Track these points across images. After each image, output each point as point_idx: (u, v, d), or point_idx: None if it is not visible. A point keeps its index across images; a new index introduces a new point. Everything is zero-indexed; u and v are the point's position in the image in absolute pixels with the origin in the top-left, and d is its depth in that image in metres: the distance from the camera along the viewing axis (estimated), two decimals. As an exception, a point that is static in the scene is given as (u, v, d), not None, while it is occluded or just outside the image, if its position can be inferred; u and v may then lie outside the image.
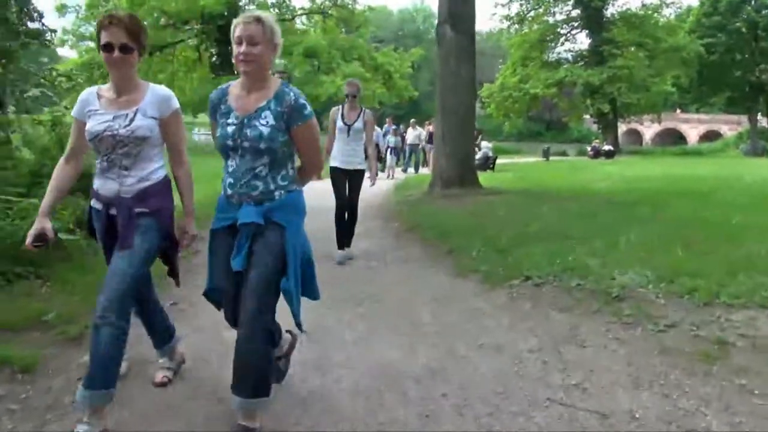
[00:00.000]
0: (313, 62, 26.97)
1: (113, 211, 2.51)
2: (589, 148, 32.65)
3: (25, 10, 9.86)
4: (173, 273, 2.77)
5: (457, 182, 9.76)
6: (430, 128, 17.53)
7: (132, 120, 2.45)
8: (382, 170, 16.57)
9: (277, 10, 29.12)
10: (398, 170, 17.83)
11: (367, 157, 6.03)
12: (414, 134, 18.50)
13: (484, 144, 19.70)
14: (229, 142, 2.39)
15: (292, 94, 2.41)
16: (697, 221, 6.56)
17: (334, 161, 5.92)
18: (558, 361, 3.29)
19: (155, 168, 2.56)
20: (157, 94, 2.53)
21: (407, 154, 18.77)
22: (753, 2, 39.07)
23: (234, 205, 2.42)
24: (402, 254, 6.35)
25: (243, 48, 2.29)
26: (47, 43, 10.97)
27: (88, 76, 25.23)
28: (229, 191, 2.43)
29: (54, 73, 11.76)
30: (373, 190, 12.65)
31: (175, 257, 2.72)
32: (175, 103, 2.58)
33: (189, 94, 29.22)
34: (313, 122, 2.48)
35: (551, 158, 29.24)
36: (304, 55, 26.28)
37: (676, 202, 8.28)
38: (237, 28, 2.33)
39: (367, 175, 6.09)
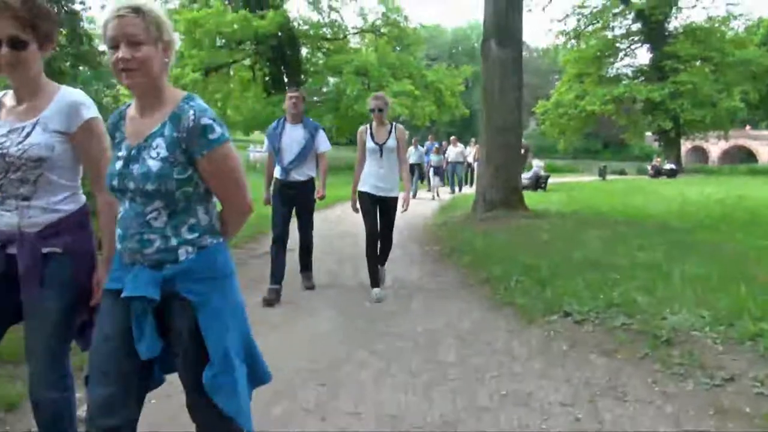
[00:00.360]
0: (364, 80, 27.04)
1: (12, 250, 1.92)
2: (649, 167, 31.25)
3: (77, 32, 10.21)
4: (81, 334, 2.06)
5: (502, 204, 9.34)
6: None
7: (27, 135, 1.89)
8: (428, 190, 16.50)
9: (329, 30, 29.53)
10: (445, 190, 17.41)
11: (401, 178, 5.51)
12: (456, 151, 17.68)
13: (536, 162, 19.08)
14: (114, 183, 1.72)
15: (192, 111, 1.65)
16: (764, 254, 5.93)
17: (364, 185, 5.24)
18: (593, 419, 2.88)
19: (64, 197, 1.98)
20: (64, 100, 1.94)
21: (450, 173, 17.81)
22: (830, 12, 36.67)
23: (127, 265, 1.74)
24: (435, 282, 6.01)
25: (121, 52, 1.61)
26: (98, 64, 11.33)
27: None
28: (119, 246, 1.75)
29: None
30: (416, 211, 12.45)
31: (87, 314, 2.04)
32: (89, 112, 1.97)
33: (245, 113, 29.93)
34: (226, 149, 1.70)
35: (608, 177, 28.12)
36: (355, 74, 26.39)
37: (741, 231, 7.59)
38: (108, 25, 1.63)
39: (401, 199, 5.45)
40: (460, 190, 17.41)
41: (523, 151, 15.93)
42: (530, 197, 14.42)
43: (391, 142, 5.18)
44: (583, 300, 4.51)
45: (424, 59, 41.35)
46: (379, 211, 5.29)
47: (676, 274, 4.95)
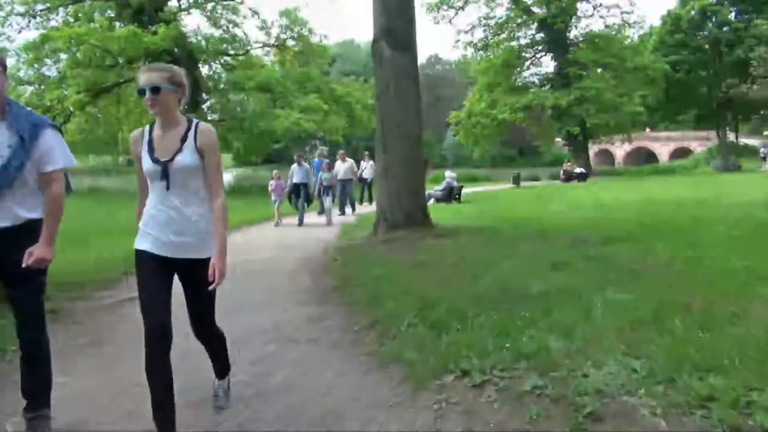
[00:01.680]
0: (269, 96, 25.68)
1: None
2: (561, 172, 31.69)
3: None
4: None
5: (406, 223, 8.36)
6: None
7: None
8: (319, 213, 14.33)
9: (230, 45, 27.98)
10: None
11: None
12: (345, 167, 15.49)
13: (448, 174, 18.45)
14: None
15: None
16: (692, 268, 5.20)
17: (143, 240, 2.92)
18: None
19: None
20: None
21: (339, 193, 15.25)
22: (714, 19, 39.13)
23: None
24: (315, 330, 4.85)
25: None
26: None
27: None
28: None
29: None
30: (314, 234, 11.28)
31: None
32: None
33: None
34: None
35: (522, 184, 28.14)
36: (258, 90, 24.98)
37: (660, 240, 6.94)
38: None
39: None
40: (353, 210, 15.43)
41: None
42: (442, 210, 13.66)
43: (186, 158, 2.74)
44: (485, 350, 3.51)
45: (335, 75, 40.55)
46: (182, 285, 3.02)
47: (598, 305, 4.06)
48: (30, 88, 24.85)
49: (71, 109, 25.46)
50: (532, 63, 40.44)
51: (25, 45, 24.73)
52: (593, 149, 46.62)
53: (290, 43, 28.45)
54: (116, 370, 4.10)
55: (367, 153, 17.92)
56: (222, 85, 27.23)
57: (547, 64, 40.56)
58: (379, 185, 8.72)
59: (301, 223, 12.86)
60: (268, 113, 24.10)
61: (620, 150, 60.43)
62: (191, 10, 28.04)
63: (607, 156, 62.22)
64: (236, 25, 28.03)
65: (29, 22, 26.09)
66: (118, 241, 11.08)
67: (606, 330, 3.55)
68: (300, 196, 13.06)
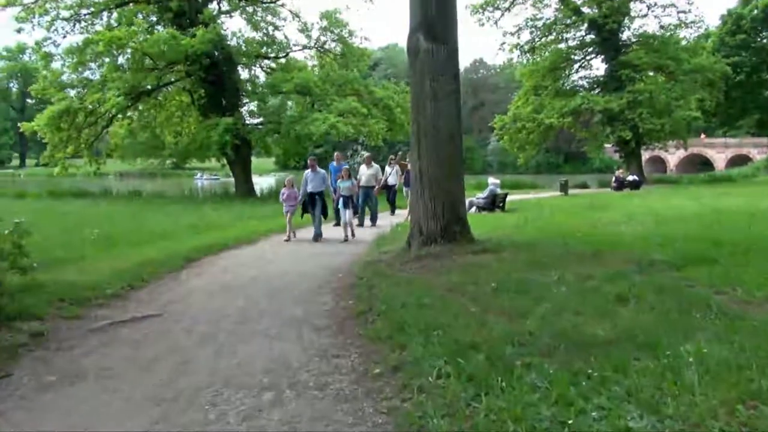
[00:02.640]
0: (306, 99, 25.09)
1: None
2: (612, 179, 30.06)
3: None
4: None
5: (441, 236, 7.44)
6: (409, 165, 13.33)
7: None
8: (335, 224, 12.33)
9: (269, 48, 27.59)
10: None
11: None
12: (368, 174, 13.69)
13: (491, 180, 17.35)
14: None
15: None
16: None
17: None
18: None
19: None
20: None
21: (360, 201, 13.28)
22: (779, 17, 36.68)
23: None
24: (325, 369, 4.02)
25: None
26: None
27: (57, 126, 23.76)
28: None
29: None
30: (339, 249, 10.40)
31: None
32: None
33: (185, 139, 27.58)
34: None
35: (570, 191, 26.69)
36: (296, 92, 24.42)
37: (746, 263, 5.80)
38: None
39: None
40: (373, 223, 13.57)
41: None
42: (485, 220, 12.65)
43: None
44: (538, 421, 2.58)
45: (378, 79, 39.82)
46: None
47: (688, 361, 3.05)
48: (72, 92, 24.96)
49: (113, 112, 25.55)
50: (581, 65, 38.79)
51: (67, 49, 24.89)
52: (644, 156, 44.41)
53: (330, 45, 27.86)
54: (73, 417, 3.33)
55: (392, 157, 16.23)
56: (259, 89, 26.81)
57: (597, 67, 39.02)
58: (414, 193, 7.82)
59: (317, 237, 11.15)
60: (305, 116, 23.48)
61: (673, 157, 57.83)
62: (232, 14, 27.85)
63: (659, 163, 59.59)
64: (276, 27, 27.63)
65: (74, 26, 26.31)
66: (139, 249, 10.60)
67: (708, 405, 2.56)
68: (315, 205, 11.27)
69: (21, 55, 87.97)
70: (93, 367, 4.21)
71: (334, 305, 5.96)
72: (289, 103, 28.58)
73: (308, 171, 11.51)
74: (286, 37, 28.16)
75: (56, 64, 26.35)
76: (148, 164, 50.76)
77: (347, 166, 12.65)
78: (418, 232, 7.59)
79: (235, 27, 32.84)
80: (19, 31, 25.28)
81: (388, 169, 15.44)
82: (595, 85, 37.53)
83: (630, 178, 28.82)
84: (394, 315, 4.87)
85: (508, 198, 17.72)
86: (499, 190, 17.11)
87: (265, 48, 27.42)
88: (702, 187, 29.82)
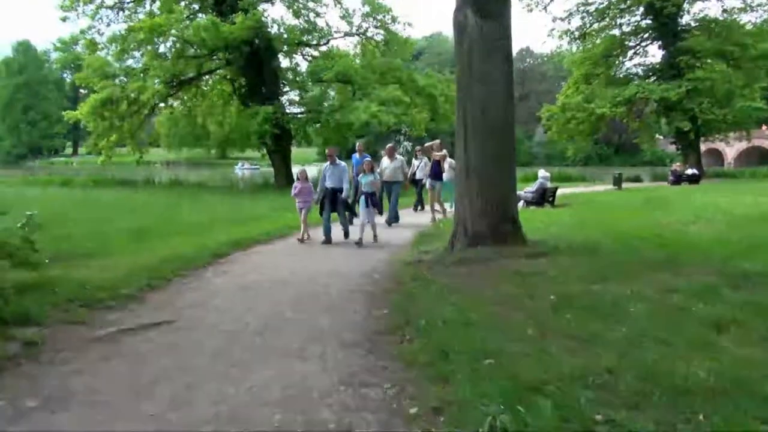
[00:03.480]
0: (347, 88, 24.44)
1: None
2: (669, 172, 28.37)
3: None
4: None
5: (489, 236, 6.62)
6: (436, 154, 12.37)
7: None
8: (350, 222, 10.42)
9: (311, 35, 27.02)
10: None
11: None
12: (392, 167, 12.15)
13: (541, 173, 16.30)
14: None
15: None
16: None
17: None
18: None
19: None
20: None
21: (386, 196, 12.19)
22: None
23: None
24: (349, 403, 3.30)
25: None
26: None
27: (101, 114, 23.81)
28: None
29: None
30: (390, 242, 9.70)
31: None
32: None
33: (227, 128, 27.33)
34: None
35: (623, 185, 25.24)
36: (337, 80, 23.79)
37: None
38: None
39: None
40: (395, 220, 12.19)
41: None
42: (534, 216, 11.69)
43: None
44: None
45: (425, 68, 38.76)
46: None
47: None
48: (116, 81, 24.97)
49: (156, 101, 25.53)
50: (635, 52, 36.82)
51: (110, 37, 24.97)
52: (701, 148, 42.07)
53: (372, 31, 27.07)
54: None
55: (418, 149, 14.66)
56: (300, 77, 26.31)
57: (653, 54, 36.94)
58: (459, 188, 7.00)
59: (347, 235, 9.92)
60: (345, 105, 22.84)
61: (731, 149, 54.71)
62: (273, 1, 27.39)
63: (715, 156, 56.50)
64: (318, 14, 27.03)
65: (118, 14, 26.39)
66: (169, 242, 10.16)
67: None
68: (337, 202, 9.77)
69: (74, 46, 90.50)
70: (82, 390, 3.62)
71: (367, 314, 5.24)
72: (331, 93, 28.02)
73: (327, 164, 10.06)
74: (327, 24, 27.56)
75: (101, 54, 26.49)
76: (194, 154, 51.53)
77: (370, 158, 10.85)
78: (463, 231, 6.79)
79: (276, 15, 32.88)
80: (64, 19, 25.47)
81: (415, 161, 14.14)
82: (651, 73, 35.61)
83: (689, 171, 27.11)
84: (436, 334, 4.12)
85: (558, 192, 16.65)
86: (549, 184, 16.07)
87: (306, 36, 26.87)
88: (763, 181, 27.85)
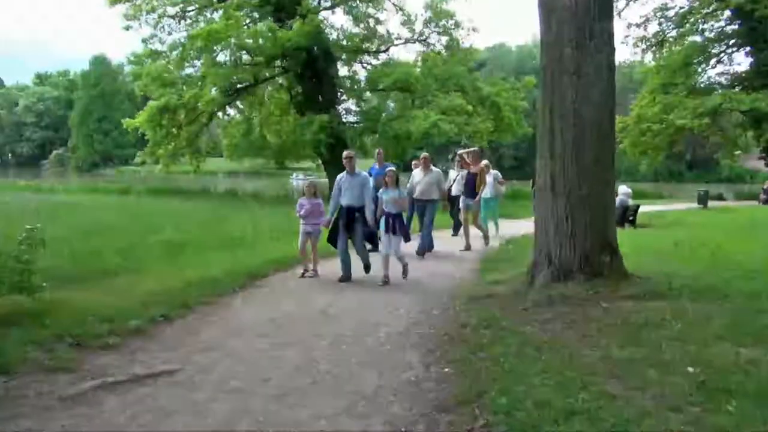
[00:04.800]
0: (407, 96, 23.31)
1: None
2: (762, 190, 25.72)
3: None
4: None
5: (580, 268, 5.21)
6: (474, 166, 10.24)
7: None
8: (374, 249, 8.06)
9: (371, 43, 26.10)
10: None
11: None
12: (427, 180, 9.64)
13: (622, 189, 14.54)
14: None
15: None
16: None
17: None
18: None
19: None
20: None
21: (418, 216, 9.92)
22: None
23: None
24: None
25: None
26: None
27: (158, 122, 23.61)
28: None
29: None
30: (448, 272, 8.23)
31: None
32: None
33: (284, 137, 26.62)
34: None
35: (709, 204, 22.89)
36: (396, 88, 22.70)
37: None
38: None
39: None
40: (429, 248, 9.60)
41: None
42: (619, 240, 10.08)
43: None
44: None
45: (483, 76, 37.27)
46: None
47: None
48: (174, 89, 24.78)
49: (213, 109, 25.20)
50: (719, 60, 33.97)
51: (170, 45, 24.87)
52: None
53: (434, 38, 25.85)
54: None
55: (456, 160, 11.56)
56: (357, 85, 25.39)
57: (739, 61, 34.01)
58: (540, 207, 5.62)
59: (367, 269, 7.59)
60: (404, 114, 21.70)
61: (826, 166, 49.99)
62: (335, 9, 26.66)
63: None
64: (378, 21, 26.09)
65: (179, 23, 26.33)
66: (205, 258, 9.23)
67: None
68: (355, 226, 7.40)
69: (147, 60, 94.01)
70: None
71: (423, 372, 3.97)
72: (390, 104, 26.94)
73: (343, 174, 7.52)
74: (387, 31, 26.53)
75: (162, 62, 26.46)
76: (254, 164, 51.77)
77: (393, 168, 8.22)
78: (546, 260, 5.40)
79: (337, 23, 32.55)
80: (127, 28, 25.59)
81: (452, 173, 11.51)
82: (737, 82, 32.72)
83: (783, 190, 24.38)
84: (524, 423, 2.79)
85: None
86: (630, 201, 14.30)
87: (365, 43, 25.99)
88: None
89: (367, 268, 7.59)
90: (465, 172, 10.53)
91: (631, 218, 13.93)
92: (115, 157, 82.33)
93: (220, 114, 27.93)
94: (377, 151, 10.55)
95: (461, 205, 10.57)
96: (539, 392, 3.11)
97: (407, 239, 7.82)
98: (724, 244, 9.11)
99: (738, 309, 4.37)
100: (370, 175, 9.33)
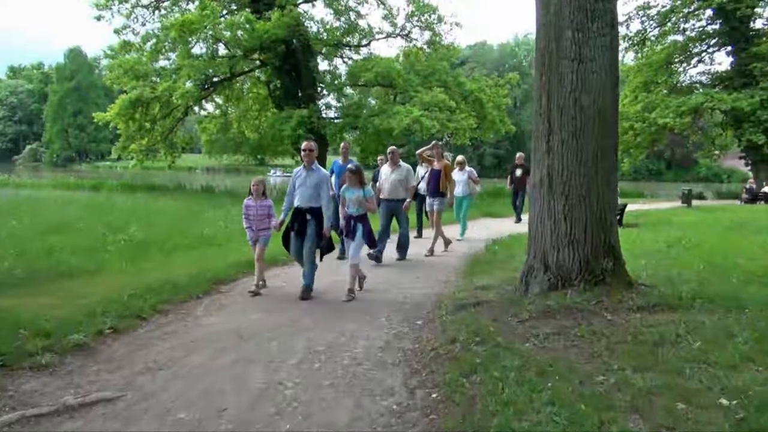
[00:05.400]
0: (388, 91, 22.73)
1: None
2: (743, 190, 25.67)
3: None
4: None
5: (579, 275, 4.69)
6: (435, 162, 9.46)
7: None
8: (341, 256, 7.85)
9: (352, 37, 25.45)
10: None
11: None
12: (394, 177, 8.52)
13: (608, 188, 14.08)
14: None
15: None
16: None
17: None
18: None
19: None
20: None
21: (382, 219, 8.69)
22: None
23: None
24: None
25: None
26: None
27: (131, 116, 22.73)
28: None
29: None
30: (430, 272, 7.71)
31: None
32: None
33: (263, 133, 25.78)
34: None
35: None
36: (377, 83, 22.08)
37: None
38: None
39: None
40: (402, 255, 8.59)
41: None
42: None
43: None
44: None
45: (469, 75, 36.84)
46: None
47: None
48: (148, 81, 23.84)
49: (189, 103, 24.29)
50: (700, 59, 33.99)
51: (143, 36, 23.95)
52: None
53: (416, 33, 25.29)
54: None
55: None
56: (338, 80, 24.70)
57: (720, 61, 34.05)
58: (535, 205, 5.08)
59: (307, 293, 6.13)
60: (385, 109, 21.09)
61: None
62: (315, 2, 25.92)
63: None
64: (360, 15, 25.43)
65: (153, 13, 25.39)
66: (171, 259, 8.57)
67: None
68: (306, 233, 6.22)
69: (126, 54, 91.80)
70: None
71: (407, 398, 3.41)
72: (371, 101, 26.28)
73: (300, 168, 6.48)
74: (369, 25, 25.87)
75: (133, 55, 25.45)
76: (234, 160, 50.74)
77: (357, 164, 7.11)
78: (542, 265, 4.87)
79: (317, 15, 31.61)
80: (98, 18, 24.56)
81: (420, 170, 10.39)
82: (718, 82, 32.77)
83: (766, 189, 24.32)
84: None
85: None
86: (618, 200, 13.88)
87: (346, 37, 25.31)
88: None
89: (307, 290, 6.13)
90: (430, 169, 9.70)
91: (618, 217, 13.52)
92: (91, 152, 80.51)
93: (196, 108, 27.10)
94: (342, 145, 9.15)
95: (427, 205, 9.85)
96: (542, 425, 2.57)
97: (372, 245, 6.84)
98: (718, 245, 8.72)
99: (760, 322, 3.88)
100: (332, 173, 8.53)
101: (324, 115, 24.24)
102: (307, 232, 6.17)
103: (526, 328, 4.09)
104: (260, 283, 6.47)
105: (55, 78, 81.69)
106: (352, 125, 22.26)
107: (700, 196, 31.66)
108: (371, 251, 7.93)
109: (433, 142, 10.02)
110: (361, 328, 4.97)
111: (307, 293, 6.12)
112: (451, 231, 10.80)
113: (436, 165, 9.51)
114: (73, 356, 4.17)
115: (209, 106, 28.29)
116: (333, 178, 8.35)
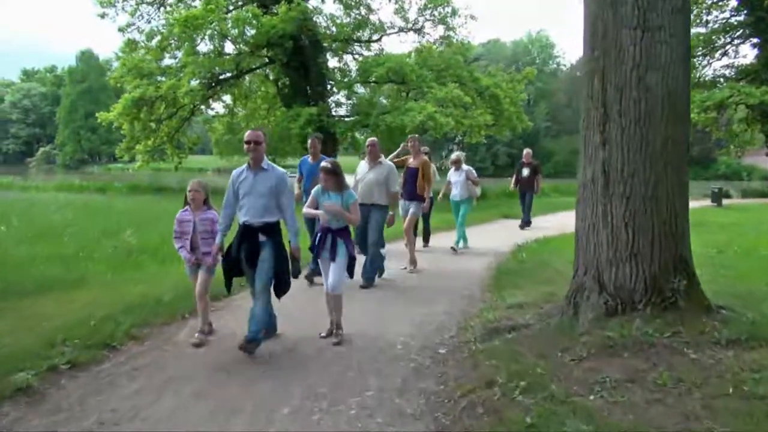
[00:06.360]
0: (401, 87, 21.80)
1: None
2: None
3: None
4: None
5: (647, 296, 3.76)
6: (412, 158, 8.17)
7: None
8: (310, 276, 6.62)
9: (363, 32, 24.57)
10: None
11: None
12: (373, 177, 6.85)
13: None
14: None
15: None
16: None
17: None
18: None
19: None
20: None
21: (359, 230, 6.81)
22: None
23: None
24: None
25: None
26: None
27: (135, 115, 22.03)
28: None
29: None
30: (449, 282, 6.66)
31: None
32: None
33: (272, 133, 24.99)
34: None
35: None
36: (389, 80, 21.15)
37: None
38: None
39: None
40: (379, 275, 6.99)
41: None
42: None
43: None
44: None
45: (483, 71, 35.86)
46: None
47: None
48: (152, 80, 23.12)
49: (197, 102, 23.56)
50: (724, 52, 32.73)
51: (148, 33, 23.25)
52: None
53: (429, 27, 24.34)
54: None
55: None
56: (348, 77, 23.81)
57: (745, 54, 32.79)
58: (583, 209, 4.15)
59: (252, 342, 4.22)
60: (398, 106, 20.16)
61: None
62: (324, -2, 25.12)
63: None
64: (371, 10, 24.52)
65: (158, 10, 24.70)
66: (165, 269, 7.76)
67: None
68: (259, 253, 4.43)
69: (133, 53, 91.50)
70: None
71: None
72: (383, 100, 25.36)
73: (243, 169, 4.60)
74: (380, 20, 24.97)
75: (140, 53, 24.78)
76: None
77: (333, 161, 4.98)
78: (596, 285, 3.94)
79: (327, 10, 30.93)
80: (102, 16, 23.91)
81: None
82: (742, 75, 31.48)
83: (799, 187, 23.07)
84: None
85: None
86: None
87: (356, 32, 24.44)
88: None
89: (253, 338, 4.23)
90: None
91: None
92: (103, 153, 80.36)
93: (203, 108, 26.39)
94: (310, 139, 7.15)
95: (401, 209, 8.22)
96: None
97: (351, 275, 4.81)
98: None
99: None
100: (301, 174, 6.97)
101: (334, 113, 23.38)
102: (261, 256, 4.37)
103: (586, 371, 3.18)
104: (206, 327, 4.71)
105: (67, 80, 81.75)
106: (362, 123, 21.33)
107: (726, 195, 30.42)
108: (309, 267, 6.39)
109: (410, 136, 8.49)
110: (372, 359, 4.08)
111: (251, 346, 4.19)
112: (446, 239, 9.75)
113: (413, 162, 8.08)
114: (12, 404, 3.32)
115: (218, 106, 27.54)
116: (300, 183, 6.89)
